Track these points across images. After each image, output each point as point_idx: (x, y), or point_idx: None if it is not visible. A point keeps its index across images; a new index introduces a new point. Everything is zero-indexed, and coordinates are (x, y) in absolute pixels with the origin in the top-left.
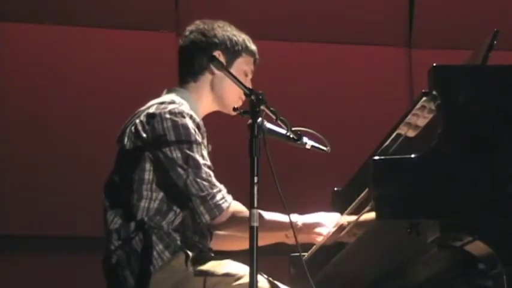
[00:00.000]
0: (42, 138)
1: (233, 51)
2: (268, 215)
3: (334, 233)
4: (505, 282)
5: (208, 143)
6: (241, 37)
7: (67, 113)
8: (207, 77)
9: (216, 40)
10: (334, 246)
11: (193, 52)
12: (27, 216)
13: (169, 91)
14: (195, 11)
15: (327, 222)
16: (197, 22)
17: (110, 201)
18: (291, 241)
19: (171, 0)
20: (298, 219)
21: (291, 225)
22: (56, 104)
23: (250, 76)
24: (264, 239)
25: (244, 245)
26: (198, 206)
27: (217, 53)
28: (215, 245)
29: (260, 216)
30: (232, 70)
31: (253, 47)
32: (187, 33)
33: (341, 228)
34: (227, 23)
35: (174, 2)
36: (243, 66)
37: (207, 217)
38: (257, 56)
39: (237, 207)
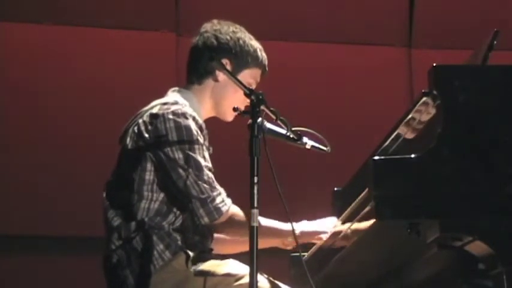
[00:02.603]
0: (42, 138)
1: (241, 61)
2: (266, 222)
3: (332, 237)
4: (505, 282)
5: (209, 145)
6: (252, 47)
7: (67, 113)
8: (209, 83)
9: (227, 47)
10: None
11: (202, 53)
12: (27, 216)
13: (173, 91)
14: (195, 11)
15: (325, 230)
16: (214, 21)
17: (110, 200)
18: (286, 247)
19: (171, 0)
20: (296, 227)
21: (293, 232)
22: (56, 103)
23: (253, 87)
24: (260, 243)
25: (238, 248)
26: (197, 208)
27: (224, 61)
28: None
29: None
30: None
31: (264, 58)
32: (202, 30)
33: (339, 233)
34: (243, 28)
35: (174, 2)
36: (247, 79)
37: (206, 219)
38: (266, 69)
39: (235, 211)
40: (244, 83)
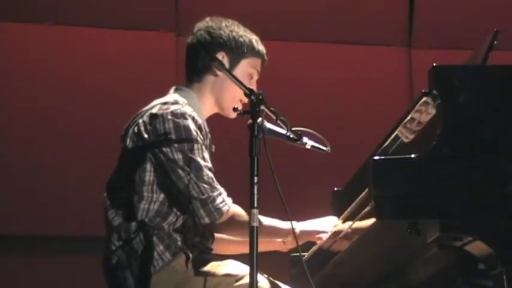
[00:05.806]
0: (42, 138)
1: (237, 52)
2: (267, 221)
3: (332, 236)
4: (505, 282)
5: (211, 144)
6: (247, 38)
7: (67, 113)
8: (209, 78)
9: (221, 40)
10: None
11: (198, 51)
12: (27, 216)
13: (175, 90)
14: (195, 11)
15: (325, 229)
16: (207, 19)
17: (111, 200)
18: (286, 249)
19: (171, 0)
20: (296, 226)
21: (293, 231)
22: (56, 103)
23: (255, 78)
24: (260, 246)
25: (239, 249)
26: (198, 209)
27: (221, 54)
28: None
29: (258, 221)
30: (236, 72)
31: (260, 48)
32: (195, 30)
33: (339, 233)
34: (236, 22)
35: (174, 2)
36: (247, 68)
37: (206, 220)
38: (265, 58)
39: (236, 210)
40: (245, 74)
